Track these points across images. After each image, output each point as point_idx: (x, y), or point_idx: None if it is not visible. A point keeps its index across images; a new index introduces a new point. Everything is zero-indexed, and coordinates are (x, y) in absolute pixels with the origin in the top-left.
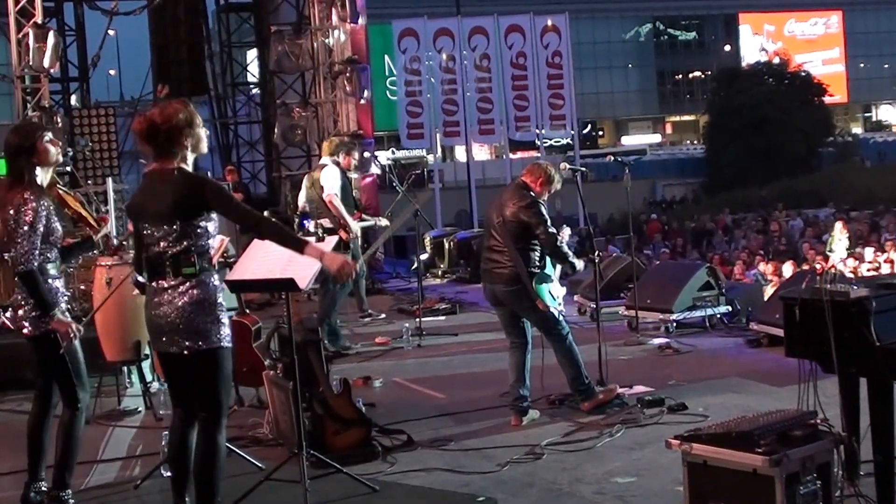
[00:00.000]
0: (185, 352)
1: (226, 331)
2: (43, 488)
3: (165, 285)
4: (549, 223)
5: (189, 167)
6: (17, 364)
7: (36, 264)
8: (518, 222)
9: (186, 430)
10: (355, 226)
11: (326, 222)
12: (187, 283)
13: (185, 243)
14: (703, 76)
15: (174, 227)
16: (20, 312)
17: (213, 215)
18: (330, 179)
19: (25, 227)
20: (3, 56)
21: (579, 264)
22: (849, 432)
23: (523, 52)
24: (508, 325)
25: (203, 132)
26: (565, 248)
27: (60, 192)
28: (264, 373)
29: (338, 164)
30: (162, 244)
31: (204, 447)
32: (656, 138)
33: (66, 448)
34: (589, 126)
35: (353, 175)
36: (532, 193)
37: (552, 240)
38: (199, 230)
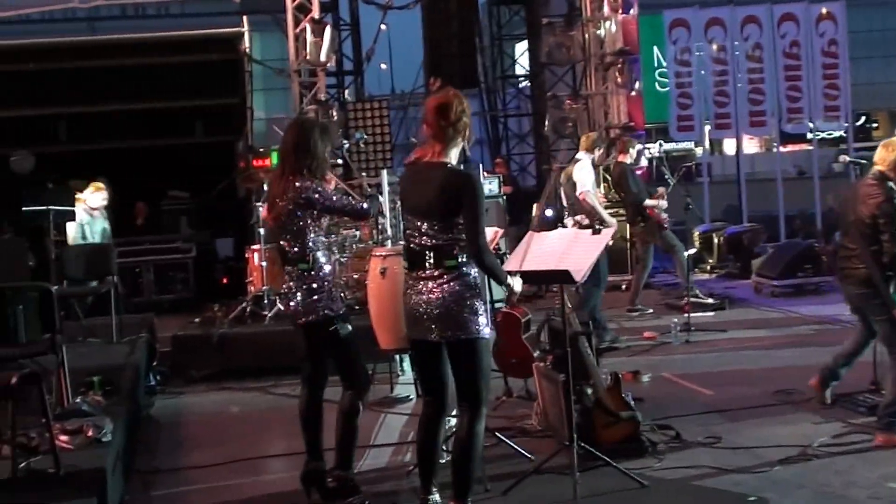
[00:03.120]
0: (444, 340)
1: (483, 322)
2: (322, 468)
3: (425, 276)
4: None
5: (453, 159)
6: (293, 351)
7: None
8: (868, 222)
9: (435, 419)
10: (611, 220)
11: (583, 219)
12: (447, 276)
13: (448, 236)
14: None
15: (436, 220)
16: (294, 301)
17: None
18: (583, 175)
19: None
20: (281, 51)
21: None
22: None
23: (797, 42)
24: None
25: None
26: None
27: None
28: (534, 364)
29: (593, 159)
30: (424, 237)
31: (463, 436)
32: None
33: (346, 431)
34: (863, 118)
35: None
36: (890, 184)
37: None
38: (460, 225)
